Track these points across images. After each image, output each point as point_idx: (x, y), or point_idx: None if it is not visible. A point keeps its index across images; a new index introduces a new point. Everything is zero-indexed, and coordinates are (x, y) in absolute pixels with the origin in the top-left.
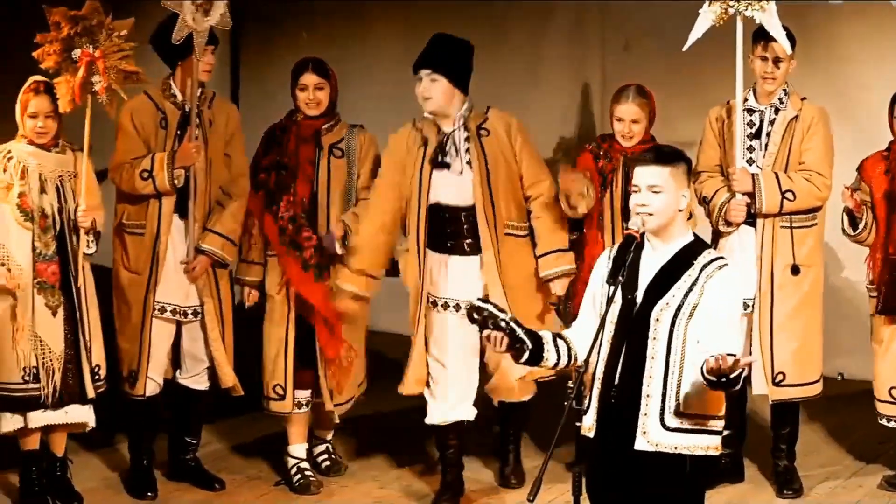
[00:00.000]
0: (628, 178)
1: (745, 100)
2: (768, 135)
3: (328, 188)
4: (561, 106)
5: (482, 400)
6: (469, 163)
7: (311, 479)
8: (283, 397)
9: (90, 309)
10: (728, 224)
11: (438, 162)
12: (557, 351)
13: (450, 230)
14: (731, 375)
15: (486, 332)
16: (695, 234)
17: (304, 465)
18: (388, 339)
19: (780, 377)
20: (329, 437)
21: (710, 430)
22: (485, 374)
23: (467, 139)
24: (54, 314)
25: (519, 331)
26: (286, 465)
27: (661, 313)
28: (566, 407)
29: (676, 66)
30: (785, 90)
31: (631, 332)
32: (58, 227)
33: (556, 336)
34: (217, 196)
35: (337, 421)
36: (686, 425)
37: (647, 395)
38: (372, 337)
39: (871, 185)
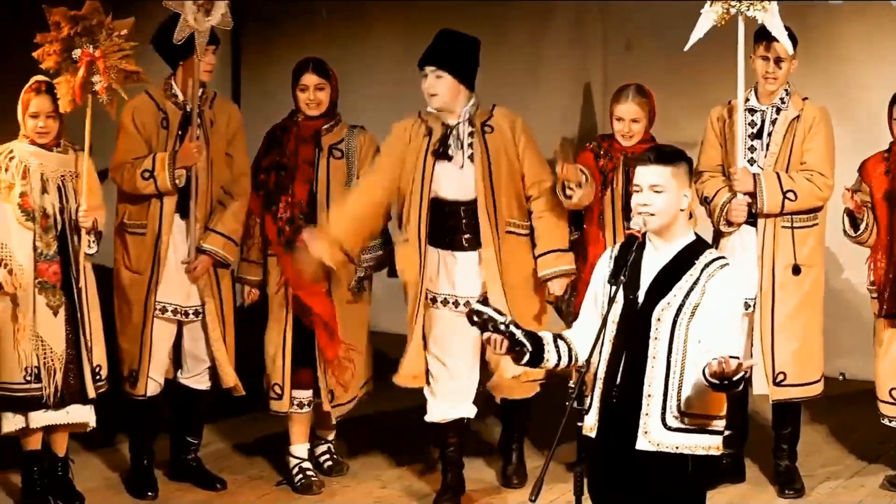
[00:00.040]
0: (629, 177)
1: (747, 100)
2: (770, 135)
3: (327, 189)
4: (562, 106)
5: (483, 398)
6: (471, 157)
7: (313, 478)
8: (280, 397)
9: (91, 309)
10: (729, 224)
11: (440, 153)
12: (558, 352)
13: (449, 225)
14: (734, 378)
15: (485, 335)
16: (696, 234)
17: (306, 464)
18: (388, 339)
19: (780, 377)
20: (331, 437)
21: (712, 430)
22: (486, 371)
23: (471, 134)
24: (55, 314)
25: (518, 333)
26: (288, 465)
27: (663, 313)
28: (567, 407)
29: (678, 66)
30: (786, 90)
31: (632, 332)
32: (59, 227)
33: (557, 336)
34: (218, 196)
35: (334, 422)
36: (687, 425)
37: (649, 395)
38: (372, 337)
39: (872, 185)
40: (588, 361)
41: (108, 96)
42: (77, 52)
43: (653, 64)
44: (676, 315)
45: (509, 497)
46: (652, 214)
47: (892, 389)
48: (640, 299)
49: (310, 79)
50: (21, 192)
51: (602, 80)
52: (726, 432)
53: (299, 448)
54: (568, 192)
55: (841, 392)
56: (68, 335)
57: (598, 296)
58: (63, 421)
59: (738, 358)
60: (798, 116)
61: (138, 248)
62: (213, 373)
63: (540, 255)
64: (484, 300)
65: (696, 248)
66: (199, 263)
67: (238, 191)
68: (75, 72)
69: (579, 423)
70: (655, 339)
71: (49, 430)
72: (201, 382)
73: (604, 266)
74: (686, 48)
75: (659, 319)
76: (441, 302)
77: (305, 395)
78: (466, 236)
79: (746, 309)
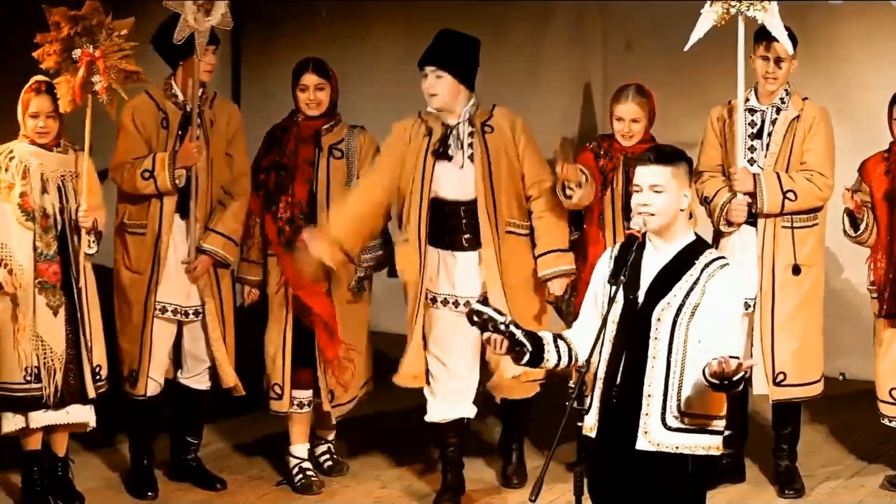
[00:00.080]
0: (628, 177)
1: (747, 99)
2: (770, 135)
3: (327, 189)
4: (562, 106)
5: (483, 398)
6: (471, 157)
7: (313, 478)
8: (280, 397)
9: (91, 309)
10: (729, 224)
11: (440, 153)
12: (558, 352)
13: (449, 225)
14: (734, 378)
15: (485, 335)
16: (696, 234)
17: (306, 464)
18: (388, 339)
19: (780, 377)
20: (331, 437)
21: (712, 430)
22: (486, 371)
23: (471, 134)
24: (55, 314)
25: (518, 334)
26: (288, 465)
27: (663, 313)
28: (567, 407)
29: (678, 66)
30: (786, 90)
31: (632, 332)
32: (59, 227)
33: (557, 336)
34: (218, 196)
35: (333, 422)
36: (687, 425)
37: (649, 395)
38: (372, 337)
39: (872, 185)
40: (588, 361)
41: (108, 96)
42: (77, 52)
43: (653, 64)
44: (676, 315)
45: (509, 497)
46: (652, 214)
47: (892, 389)
48: (640, 299)
49: (310, 79)
50: (21, 192)
51: (602, 80)
52: (726, 432)
53: (299, 448)
54: (568, 192)
55: (841, 392)
56: (68, 335)
57: (598, 296)
58: (63, 421)
59: (738, 358)
60: (798, 116)
61: (138, 248)
62: (213, 373)
63: (540, 255)
64: (484, 300)
65: (696, 248)
66: (199, 263)
67: (238, 191)
68: (75, 72)
69: (579, 423)
70: (655, 339)
71: (49, 430)
72: (201, 382)
73: (604, 266)
74: (686, 48)
75: (659, 319)
76: (441, 302)
77: (305, 395)
78: (466, 236)
79: (746, 309)
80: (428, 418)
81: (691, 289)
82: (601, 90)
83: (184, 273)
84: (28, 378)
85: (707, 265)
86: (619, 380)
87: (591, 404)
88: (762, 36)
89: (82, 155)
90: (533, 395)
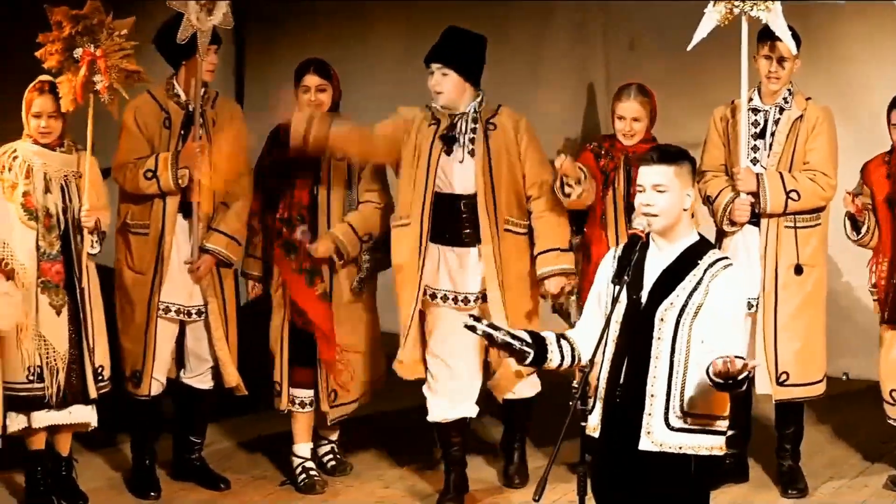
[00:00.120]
0: (630, 176)
1: (750, 99)
2: (773, 134)
3: (328, 190)
4: (564, 106)
5: (483, 398)
6: (471, 153)
7: (316, 478)
8: (280, 394)
9: (94, 309)
10: (732, 224)
11: (448, 137)
12: (561, 352)
13: (448, 219)
14: (738, 378)
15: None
16: (699, 234)
17: (309, 464)
18: (388, 339)
19: (783, 377)
20: (334, 437)
21: (715, 431)
22: (487, 371)
23: (473, 130)
24: (58, 314)
25: (515, 344)
26: (291, 465)
27: (666, 313)
28: (571, 407)
29: (681, 66)
30: (790, 90)
31: (636, 333)
32: (62, 227)
33: (560, 337)
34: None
35: (329, 423)
36: (690, 425)
37: (652, 395)
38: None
39: (873, 188)
40: (591, 361)
41: (110, 96)
42: (79, 52)
43: (655, 63)
44: (680, 315)
45: (512, 497)
46: (655, 214)
47: (892, 391)
48: (644, 299)
49: (311, 80)
50: (24, 192)
51: (604, 80)
52: (729, 432)
53: (302, 447)
54: (566, 189)
55: (844, 392)
56: (71, 335)
57: (602, 296)
58: (65, 421)
59: (743, 358)
60: (801, 116)
61: (141, 248)
62: (216, 372)
63: (540, 253)
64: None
65: (699, 249)
66: (202, 263)
67: (240, 190)
68: (77, 71)
69: (583, 423)
70: (659, 339)
71: (52, 430)
72: (204, 382)
73: (607, 266)
74: (689, 48)
75: (662, 319)
76: (441, 298)
77: (306, 394)
78: (466, 231)
79: (749, 309)
80: (430, 418)
81: (694, 289)
82: (603, 90)
83: (187, 273)
84: (31, 378)
85: (710, 265)
86: (622, 380)
87: (594, 404)
88: (765, 35)
89: (85, 154)
90: (534, 395)
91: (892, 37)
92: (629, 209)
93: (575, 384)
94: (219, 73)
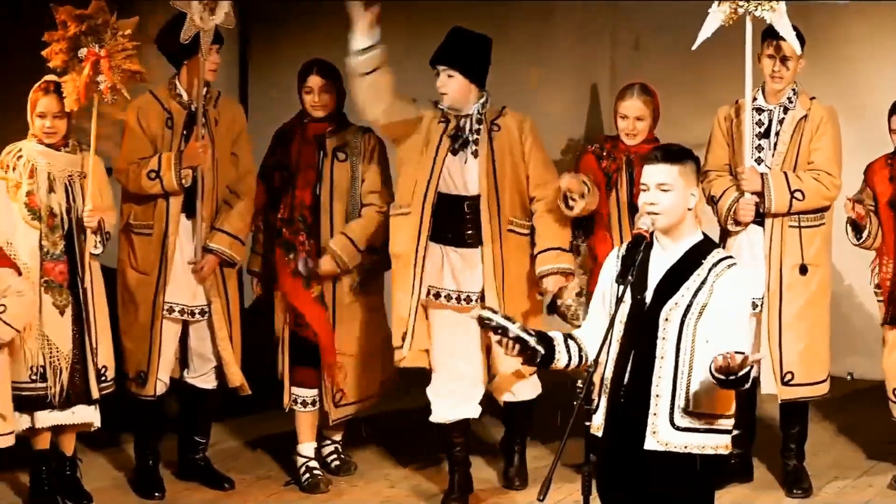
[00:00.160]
0: (632, 177)
1: (754, 99)
2: (777, 134)
3: (331, 192)
4: (567, 106)
5: (483, 398)
6: (475, 153)
7: (320, 477)
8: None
9: (98, 309)
10: (737, 223)
11: (455, 136)
12: (568, 352)
13: (451, 220)
14: (740, 374)
15: (497, 338)
16: (704, 234)
17: (313, 463)
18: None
19: (788, 377)
20: (338, 437)
21: (720, 430)
22: (488, 373)
23: (478, 131)
24: (62, 314)
25: (530, 340)
26: (295, 465)
27: (671, 313)
28: (575, 407)
29: (685, 66)
30: (794, 90)
31: (640, 332)
32: (66, 227)
33: (567, 337)
34: (224, 195)
35: (331, 423)
36: (696, 424)
37: (657, 395)
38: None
39: (876, 191)
40: (596, 361)
41: (113, 96)
42: (83, 52)
43: (659, 63)
44: (684, 315)
45: (517, 497)
46: (659, 214)
47: (895, 389)
48: (648, 299)
49: (315, 81)
50: (28, 191)
51: (609, 80)
52: (734, 431)
53: (306, 447)
54: (570, 202)
55: (849, 392)
56: (75, 335)
57: (607, 295)
58: (69, 421)
59: (743, 353)
60: (806, 116)
61: (145, 248)
62: (220, 372)
63: (540, 252)
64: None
65: (703, 248)
66: (205, 263)
67: (243, 189)
68: (81, 71)
69: (587, 423)
70: (663, 338)
71: (57, 430)
72: (208, 382)
73: (611, 265)
74: (693, 48)
75: (667, 319)
76: (445, 297)
77: (309, 393)
78: (469, 231)
79: (754, 309)
80: (432, 419)
81: (699, 288)
82: (608, 89)
83: (190, 273)
84: (34, 377)
85: (715, 265)
86: (626, 380)
87: (598, 404)
88: (769, 34)
89: (90, 154)
90: (535, 397)
91: (894, 36)
92: (632, 210)
93: (580, 384)
94: (222, 73)
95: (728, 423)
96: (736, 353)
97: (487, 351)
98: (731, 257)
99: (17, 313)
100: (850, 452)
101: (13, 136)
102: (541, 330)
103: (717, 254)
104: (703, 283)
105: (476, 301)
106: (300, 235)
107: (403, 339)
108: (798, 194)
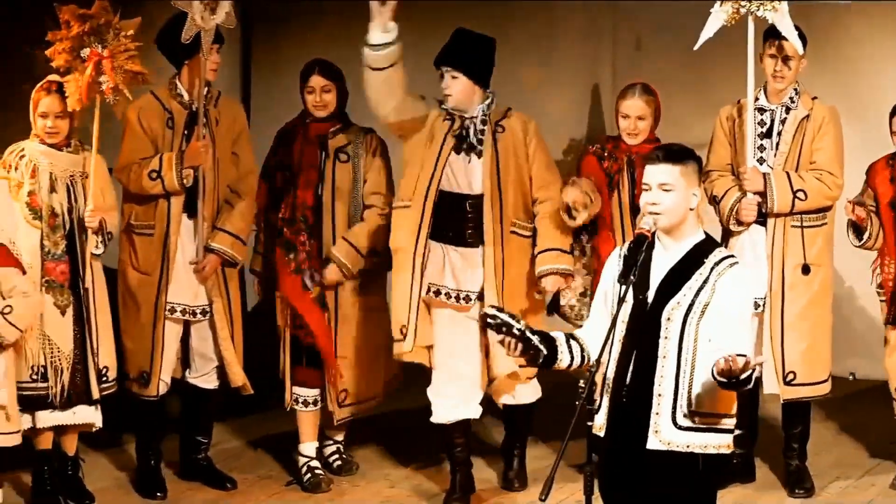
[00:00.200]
0: (634, 177)
1: (756, 99)
2: (779, 134)
3: (333, 193)
4: (569, 106)
5: (486, 399)
6: (479, 154)
7: (322, 477)
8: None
9: (100, 309)
10: (739, 223)
11: (460, 136)
12: (571, 352)
13: (453, 219)
14: (742, 376)
15: (499, 337)
16: (706, 233)
17: (315, 463)
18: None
19: (790, 376)
20: (340, 437)
21: (722, 429)
22: (488, 375)
23: (482, 131)
24: (63, 314)
25: (534, 339)
26: (297, 464)
27: (673, 312)
28: (577, 406)
29: (688, 65)
30: (796, 89)
31: (642, 332)
32: (67, 227)
33: (569, 337)
34: (225, 195)
35: (335, 423)
36: (698, 424)
37: (659, 395)
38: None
39: (878, 191)
40: (598, 361)
41: (114, 96)
42: (86, 52)
43: (662, 63)
44: (686, 314)
45: (518, 497)
46: (661, 213)
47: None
48: (650, 299)
49: (316, 81)
50: (29, 191)
51: (611, 79)
52: (737, 431)
53: (308, 446)
54: (573, 213)
55: (851, 391)
56: (76, 335)
57: (608, 294)
58: (70, 421)
59: (745, 356)
60: (808, 116)
61: (146, 248)
62: (222, 372)
63: (540, 252)
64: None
65: (705, 247)
66: (207, 263)
67: (245, 189)
68: (84, 71)
69: (589, 423)
70: (665, 338)
71: (59, 430)
72: (209, 382)
73: (613, 265)
74: (696, 47)
75: (669, 319)
76: (445, 295)
77: (310, 393)
78: (470, 231)
79: (756, 308)
80: (433, 419)
81: (701, 288)
82: (610, 89)
83: (192, 273)
84: (35, 377)
85: (717, 264)
86: (629, 379)
87: (600, 404)
88: (771, 34)
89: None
90: (535, 400)
91: (895, 36)
92: (634, 210)
93: (582, 383)
94: (224, 74)
95: (730, 423)
96: (738, 355)
97: (486, 353)
98: (732, 256)
99: (23, 314)
100: (853, 452)
101: (15, 136)
102: (542, 330)
103: (719, 253)
104: (705, 282)
105: (475, 300)
106: (301, 235)
107: (402, 332)
108: (800, 194)
